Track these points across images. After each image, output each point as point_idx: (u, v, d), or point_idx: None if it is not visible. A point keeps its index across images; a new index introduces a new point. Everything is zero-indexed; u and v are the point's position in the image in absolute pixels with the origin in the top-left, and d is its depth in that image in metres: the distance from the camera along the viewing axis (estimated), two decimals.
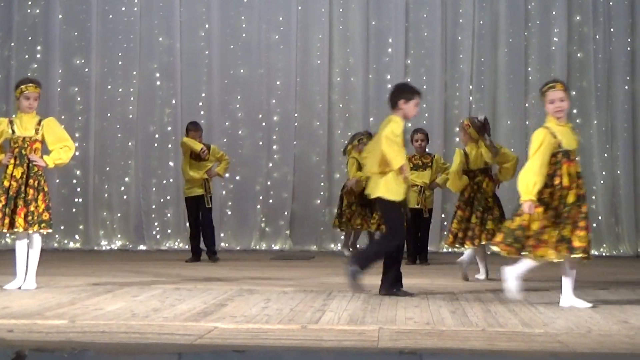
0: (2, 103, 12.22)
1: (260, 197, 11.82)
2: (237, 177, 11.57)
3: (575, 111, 12.05)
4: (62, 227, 12.10)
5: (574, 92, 12.10)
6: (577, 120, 12.07)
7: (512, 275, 6.35)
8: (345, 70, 12.30)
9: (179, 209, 11.97)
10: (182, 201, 11.64)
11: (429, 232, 10.51)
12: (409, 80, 12.18)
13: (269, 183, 12.17)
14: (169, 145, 12.17)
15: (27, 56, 12.24)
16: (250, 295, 6.89)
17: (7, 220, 6.72)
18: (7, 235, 11.51)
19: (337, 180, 12.03)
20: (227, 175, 10.72)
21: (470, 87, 12.23)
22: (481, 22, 12.23)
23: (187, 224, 10.86)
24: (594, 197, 11.93)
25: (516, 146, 11.36)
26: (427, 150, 10.31)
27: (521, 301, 6.72)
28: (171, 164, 12.06)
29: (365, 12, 12.24)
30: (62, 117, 12.14)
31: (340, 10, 12.29)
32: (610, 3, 12.13)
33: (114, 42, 12.28)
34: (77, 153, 12.11)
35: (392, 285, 6.81)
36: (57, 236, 12.07)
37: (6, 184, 6.76)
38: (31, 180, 6.76)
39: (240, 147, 11.64)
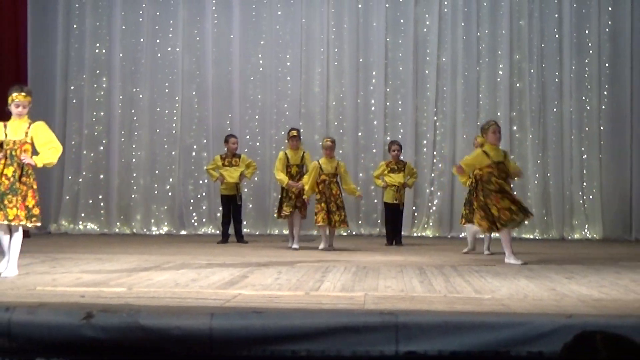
0: (75, 121, 12.20)
1: (274, 194, 11.82)
2: (256, 178, 11.57)
3: (515, 127, 12.07)
4: (122, 217, 12.08)
5: (514, 113, 12.11)
6: (517, 135, 12.08)
7: None
8: (339, 96, 12.29)
9: (211, 202, 11.99)
10: (214, 196, 11.69)
11: (402, 221, 10.61)
12: (387, 104, 12.25)
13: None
14: (204, 154, 12.15)
15: (95, 85, 12.22)
16: (266, 269, 6.91)
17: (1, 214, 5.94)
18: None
19: None
20: (250, 178, 10.72)
21: (435, 109, 12.19)
22: (443, 59, 12.21)
23: (220, 215, 10.92)
24: (529, 194, 11.92)
25: (469, 154, 11.36)
26: (400, 157, 10.37)
27: (473, 273, 6.74)
28: (205, 168, 12.04)
29: (355, 51, 12.23)
30: (122, 132, 12.18)
31: (335, 50, 12.28)
32: (542, 45, 12.11)
33: (161, 74, 12.26)
34: (133, 160, 12.26)
35: None
36: (117, 223, 12.06)
37: None
38: (24, 178, 6.05)
39: (257, 155, 11.62)
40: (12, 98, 6.14)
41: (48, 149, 6.19)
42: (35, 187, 6.15)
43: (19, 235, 6.10)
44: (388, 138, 11.73)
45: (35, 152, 6.25)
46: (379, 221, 11.90)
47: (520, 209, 7.65)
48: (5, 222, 6.00)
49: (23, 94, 6.19)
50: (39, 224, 6.27)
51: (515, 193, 8.01)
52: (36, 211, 6.09)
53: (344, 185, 9.39)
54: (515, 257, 7.58)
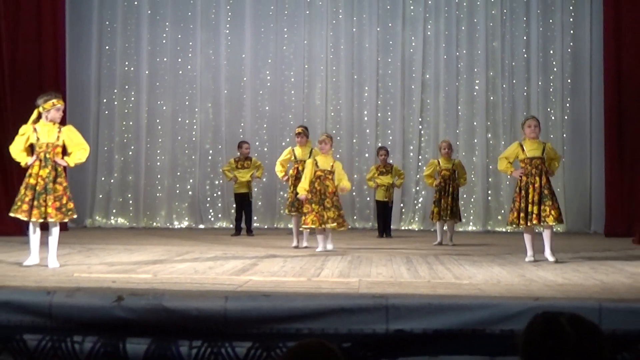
0: (107, 129, 12.19)
1: (281, 192, 11.81)
2: (264, 179, 11.56)
3: (489, 135, 12.07)
4: (148, 213, 12.08)
5: (489, 123, 12.12)
6: (491, 142, 12.08)
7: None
8: (337, 108, 12.29)
9: (225, 200, 11.98)
10: (228, 195, 11.70)
11: (392, 216, 10.63)
12: (378, 114, 12.25)
13: (284, 182, 12.16)
14: (219, 158, 12.13)
15: (124, 98, 12.21)
16: (274, 258, 6.92)
17: (35, 212, 5.77)
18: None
19: None
20: (260, 177, 10.71)
21: (420, 119, 12.20)
22: (427, 76, 12.21)
23: (233, 211, 10.93)
24: (501, 193, 11.95)
25: None
26: (388, 161, 10.45)
27: (453, 262, 6.74)
28: (220, 170, 12.04)
29: (351, 69, 12.24)
30: (148, 139, 12.18)
31: (333, 67, 12.28)
32: (513, 63, 12.11)
33: (182, 88, 12.25)
34: (158, 163, 12.26)
35: None
36: (144, 218, 12.05)
37: (32, 181, 5.82)
38: (58, 179, 5.87)
39: (265, 159, 11.58)
40: (54, 103, 5.95)
41: (78, 149, 6.06)
42: (65, 184, 5.98)
43: (56, 231, 5.94)
44: (379, 144, 11.74)
45: (65, 153, 6.09)
46: (371, 216, 11.91)
47: (525, 216, 6.58)
48: (40, 220, 5.86)
49: (60, 100, 6.06)
50: (75, 216, 6.13)
51: (537, 192, 6.65)
52: (70, 205, 5.93)
53: (336, 181, 7.91)
54: (532, 254, 6.66)
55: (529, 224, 6.60)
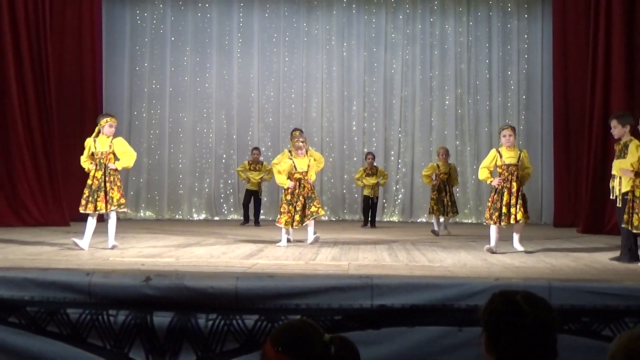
0: (137, 137, 12.16)
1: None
2: (270, 180, 11.55)
3: (457, 142, 12.07)
4: (171, 207, 12.04)
5: (457, 132, 12.12)
6: (459, 148, 12.08)
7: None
8: (330, 119, 12.27)
9: (236, 196, 11.96)
10: (238, 192, 11.70)
11: (377, 210, 10.63)
12: (365, 125, 12.25)
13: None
14: (231, 161, 12.11)
15: (151, 111, 12.19)
16: (277, 245, 6.91)
17: (90, 205, 6.09)
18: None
19: (324, 181, 12.04)
20: (269, 180, 10.63)
21: (399, 129, 12.20)
22: (405, 93, 12.22)
23: (242, 204, 10.87)
24: (467, 191, 11.95)
25: (425, 162, 11.44)
26: (374, 164, 10.44)
27: (427, 248, 6.74)
28: (232, 171, 12.05)
29: (341, 86, 12.23)
30: (171, 145, 12.14)
31: (327, 86, 12.26)
32: (477, 82, 12.13)
33: (200, 103, 12.22)
34: (180, 165, 12.24)
35: None
36: (168, 211, 12.03)
37: (89, 182, 6.20)
38: (110, 178, 6.16)
39: (270, 162, 11.60)
40: (107, 121, 6.31)
41: (125, 156, 6.34)
42: (119, 184, 6.27)
43: (113, 220, 6.23)
44: (365, 150, 11.76)
45: (116, 159, 6.39)
46: (359, 210, 11.90)
47: (499, 216, 6.26)
48: (96, 212, 6.17)
49: (114, 118, 6.44)
50: (126, 210, 6.63)
51: (514, 195, 6.30)
52: (122, 200, 6.26)
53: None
54: (492, 246, 6.28)
55: (502, 223, 6.26)
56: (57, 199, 9.34)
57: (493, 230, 6.34)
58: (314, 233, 7.04)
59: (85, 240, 6.08)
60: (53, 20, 10.04)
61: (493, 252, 6.17)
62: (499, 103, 12.03)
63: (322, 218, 9.60)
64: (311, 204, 6.85)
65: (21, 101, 9.32)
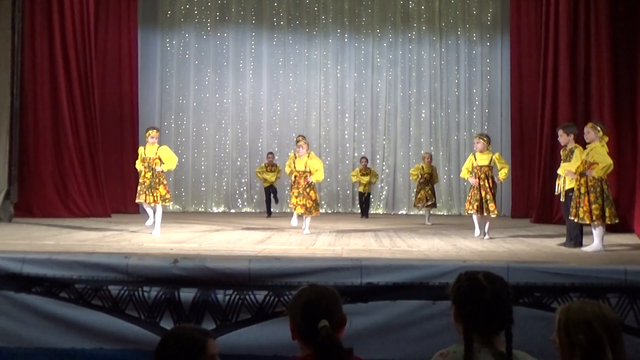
0: (166, 144, 12.11)
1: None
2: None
3: (432, 148, 12.02)
4: (195, 201, 12.00)
5: (432, 139, 12.09)
6: (433, 153, 11.90)
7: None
8: (326, 129, 12.22)
9: (249, 193, 11.92)
10: (250, 189, 11.68)
11: (370, 203, 10.67)
12: (355, 134, 12.22)
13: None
14: (245, 164, 12.06)
15: (179, 122, 12.12)
16: (282, 233, 6.91)
17: (142, 196, 6.44)
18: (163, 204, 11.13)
19: (324, 184, 12.03)
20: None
21: (384, 137, 12.16)
22: (389, 107, 12.19)
23: (265, 201, 10.71)
24: (440, 189, 11.88)
25: (405, 165, 11.50)
26: (367, 166, 10.53)
27: (407, 235, 6.73)
28: (245, 172, 12.02)
29: (336, 102, 12.18)
30: (195, 151, 12.08)
31: (324, 101, 12.21)
32: (448, 98, 12.12)
33: (219, 116, 12.16)
34: (202, 167, 12.20)
35: None
36: (193, 205, 11.99)
37: (141, 180, 6.53)
38: (156, 179, 6.48)
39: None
40: (149, 133, 6.63)
41: (169, 161, 6.63)
42: (165, 182, 6.59)
43: (159, 212, 6.51)
44: (356, 154, 11.76)
45: (161, 162, 6.62)
46: (351, 204, 11.92)
47: (480, 206, 6.39)
48: (146, 202, 6.47)
49: (155, 130, 6.71)
50: (171, 203, 7.07)
51: (488, 192, 6.43)
52: (167, 196, 6.56)
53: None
54: (483, 234, 6.40)
55: (482, 213, 6.37)
56: (100, 194, 9.35)
57: (475, 219, 6.59)
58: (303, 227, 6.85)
59: (151, 218, 6.51)
60: (97, 45, 10.11)
61: (484, 238, 6.31)
62: (465, 116, 12.02)
63: (321, 210, 9.58)
64: (298, 198, 6.82)
65: (70, 113, 9.34)
